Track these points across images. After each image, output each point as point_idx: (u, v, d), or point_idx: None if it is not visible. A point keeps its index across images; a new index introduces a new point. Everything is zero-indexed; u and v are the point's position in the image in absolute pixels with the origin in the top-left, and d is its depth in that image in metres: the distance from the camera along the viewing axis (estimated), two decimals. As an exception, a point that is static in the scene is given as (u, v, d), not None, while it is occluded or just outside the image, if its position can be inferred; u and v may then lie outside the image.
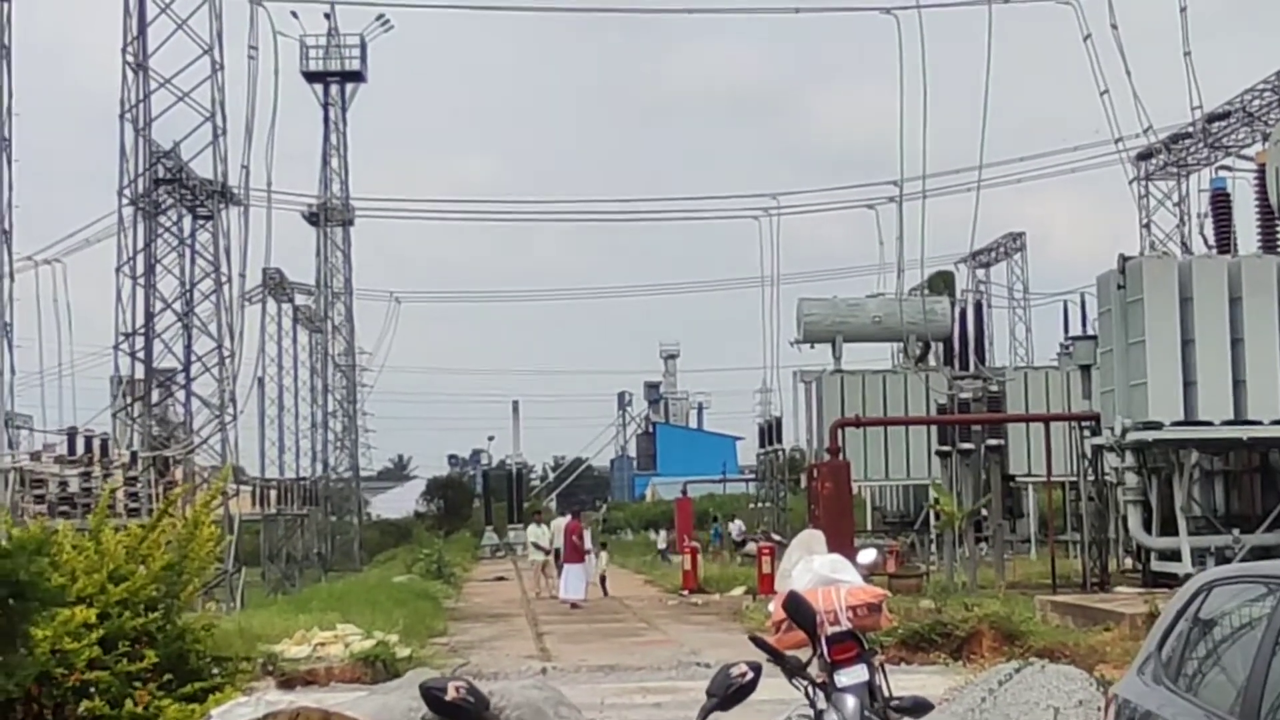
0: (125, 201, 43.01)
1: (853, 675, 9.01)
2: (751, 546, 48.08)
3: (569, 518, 42.53)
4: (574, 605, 37.46)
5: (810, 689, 8.65)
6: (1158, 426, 30.59)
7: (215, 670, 11.86)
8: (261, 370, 69.49)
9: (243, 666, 12.61)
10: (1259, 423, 30.60)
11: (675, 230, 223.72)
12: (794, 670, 8.55)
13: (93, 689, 10.83)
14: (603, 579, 42.74)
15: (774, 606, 10.18)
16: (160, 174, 43.80)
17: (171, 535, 12.20)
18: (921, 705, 8.76)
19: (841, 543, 15.80)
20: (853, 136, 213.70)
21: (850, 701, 8.52)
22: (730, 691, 6.39)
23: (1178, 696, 7.31)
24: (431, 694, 5.81)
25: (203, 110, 42.94)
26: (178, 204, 45.15)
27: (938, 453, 42.76)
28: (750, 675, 6.42)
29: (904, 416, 46.21)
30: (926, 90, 42.94)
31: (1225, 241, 40.26)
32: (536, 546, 43.85)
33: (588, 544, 41.46)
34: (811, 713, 8.66)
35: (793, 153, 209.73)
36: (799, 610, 8.74)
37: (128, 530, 12.47)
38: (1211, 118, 44.71)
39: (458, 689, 5.81)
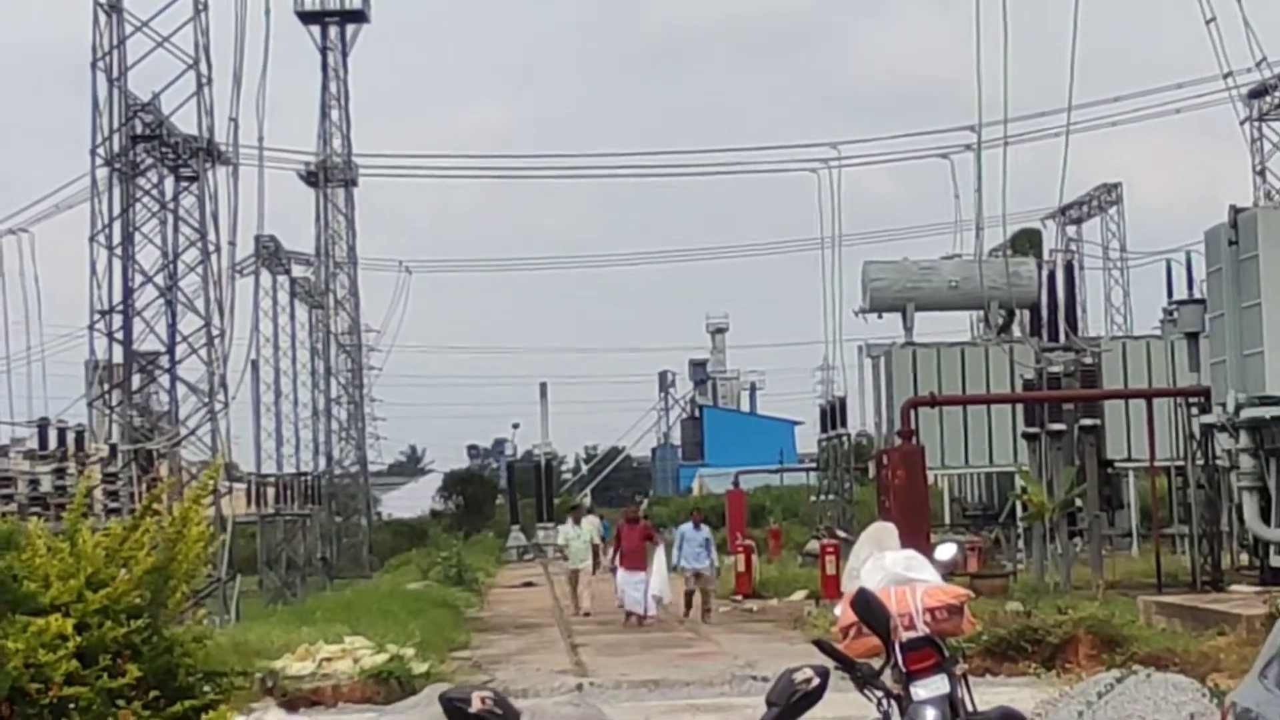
0: (99, 161, 43.01)
1: (931, 687, 8.99)
2: (814, 545, 48.05)
3: (623, 521, 40.19)
4: (641, 619, 36.45)
5: (884, 700, 8.63)
6: (1276, 402, 30.45)
7: (207, 687, 11.88)
8: (255, 352, 69.40)
9: (239, 683, 12.64)
10: (1393, 396, 30.45)
11: (720, 187, 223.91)
12: (866, 679, 8.54)
13: (71, 706, 10.88)
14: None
15: (841, 609, 10.17)
16: (138, 130, 43.76)
17: (156, 535, 12.22)
18: (1010, 717, 8.74)
19: (916, 538, 15.75)
20: (913, 75, 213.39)
21: (930, 714, 8.51)
22: (793, 699, 6.38)
23: (1305, 704, 7.28)
24: (453, 705, 5.82)
25: (185, 57, 42.86)
26: (158, 164, 45.15)
27: (1024, 435, 42.63)
28: (816, 681, 6.41)
29: (985, 394, 46.10)
30: (1006, 19, 42.42)
31: (1352, 190, 40.08)
32: (561, 549, 42.78)
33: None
34: (886, 727, 8.65)
35: (843, 94, 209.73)
36: (870, 610, 8.72)
37: (107, 531, 12.51)
38: (1335, 49, 44.40)
39: (483, 699, 5.82)
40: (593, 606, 39.26)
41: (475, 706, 5.79)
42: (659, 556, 37.64)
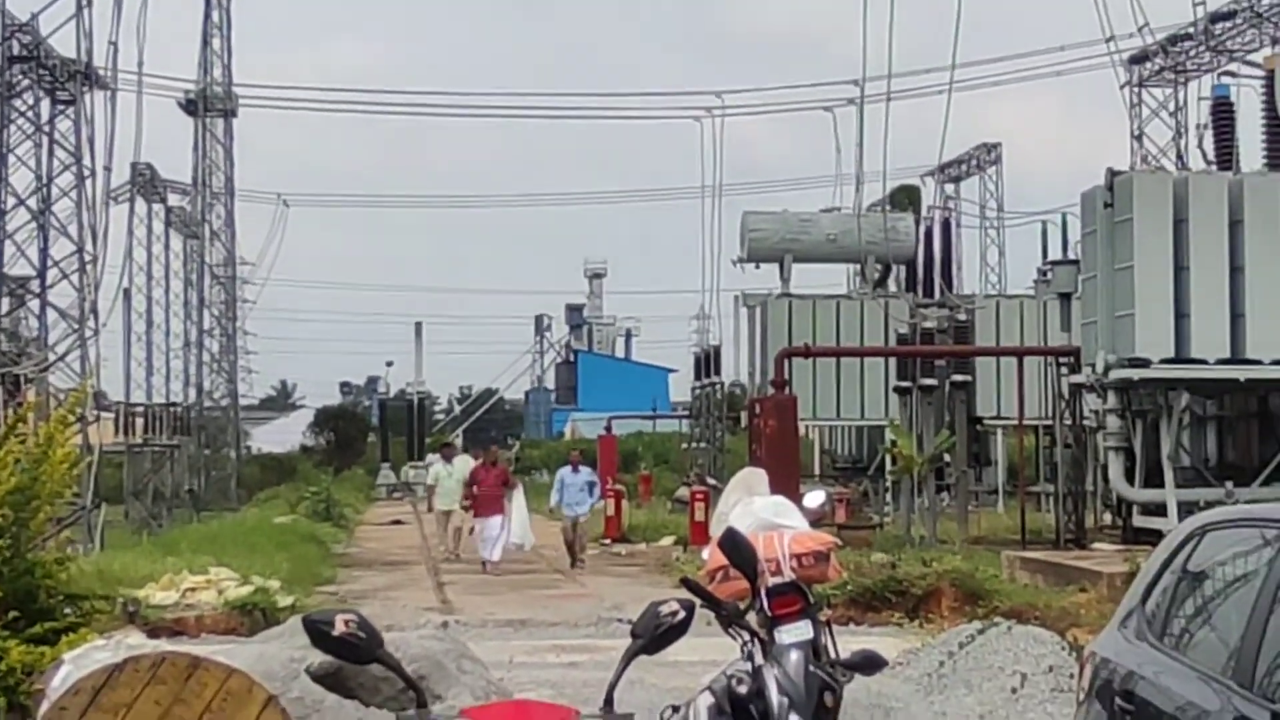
0: (-27, 81, 42.46)
1: (795, 633, 8.98)
2: (684, 492, 48.18)
3: (480, 463, 37.33)
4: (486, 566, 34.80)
5: (750, 641, 8.63)
6: (1145, 364, 30.74)
7: (68, 610, 11.79)
8: (128, 280, 69.03)
9: (101, 607, 12.56)
10: (1259, 362, 30.80)
11: (603, 131, 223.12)
12: (731, 619, 8.52)
13: (-75, 625, 10.76)
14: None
15: (709, 553, 10.18)
16: (15, 50, 43.19)
17: (21, 455, 12.08)
18: (874, 661, 8.74)
19: (786, 487, 15.81)
20: (800, 24, 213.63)
21: (794, 654, 8.50)
22: (659, 631, 6.38)
23: (1163, 655, 7.35)
24: (316, 627, 5.75)
25: (66, -23, 42.38)
26: (35, 86, 44.58)
27: (896, 389, 42.93)
28: (682, 614, 6.41)
29: (859, 347, 46.32)
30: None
31: (1227, 156, 40.51)
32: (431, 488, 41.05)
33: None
34: (749, 668, 8.65)
35: (728, 40, 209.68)
36: (738, 549, 8.69)
37: (-31, 450, 12.35)
38: (1215, 17, 44.81)
39: (346, 622, 5.76)
40: (462, 548, 37.78)
41: (338, 630, 5.74)
42: (518, 501, 35.39)
